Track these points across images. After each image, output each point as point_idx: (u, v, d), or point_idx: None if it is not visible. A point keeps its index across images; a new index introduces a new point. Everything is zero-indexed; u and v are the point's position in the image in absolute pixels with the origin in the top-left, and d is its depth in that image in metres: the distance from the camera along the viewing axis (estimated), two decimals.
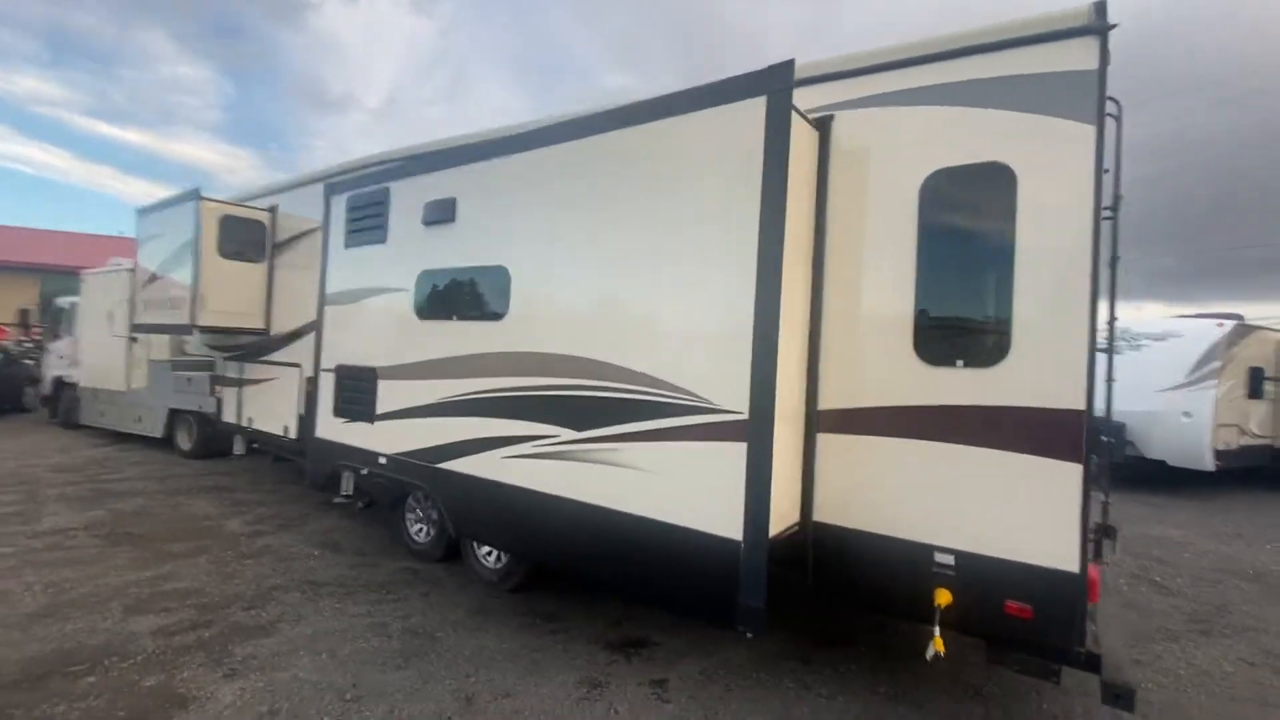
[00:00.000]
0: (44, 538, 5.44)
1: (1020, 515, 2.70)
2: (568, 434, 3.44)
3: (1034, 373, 2.69)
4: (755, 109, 2.81)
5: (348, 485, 5.27)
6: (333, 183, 5.27)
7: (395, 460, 4.48)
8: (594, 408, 3.32)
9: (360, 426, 4.77)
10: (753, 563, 2.74)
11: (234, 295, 6.90)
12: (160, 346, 10.05)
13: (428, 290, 4.33)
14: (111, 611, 4.08)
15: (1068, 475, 2.59)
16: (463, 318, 4.09)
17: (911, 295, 2.99)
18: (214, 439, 9.03)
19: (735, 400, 2.83)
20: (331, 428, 5.03)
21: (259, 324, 7.12)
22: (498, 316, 3.86)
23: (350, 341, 4.93)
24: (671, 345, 3.08)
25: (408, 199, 4.50)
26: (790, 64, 2.76)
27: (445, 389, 4.12)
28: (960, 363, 2.86)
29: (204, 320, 6.71)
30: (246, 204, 7.10)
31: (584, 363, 3.38)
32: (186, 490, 7.30)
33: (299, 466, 7.19)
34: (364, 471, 4.73)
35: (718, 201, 2.93)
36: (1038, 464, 2.66)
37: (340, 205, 5.08)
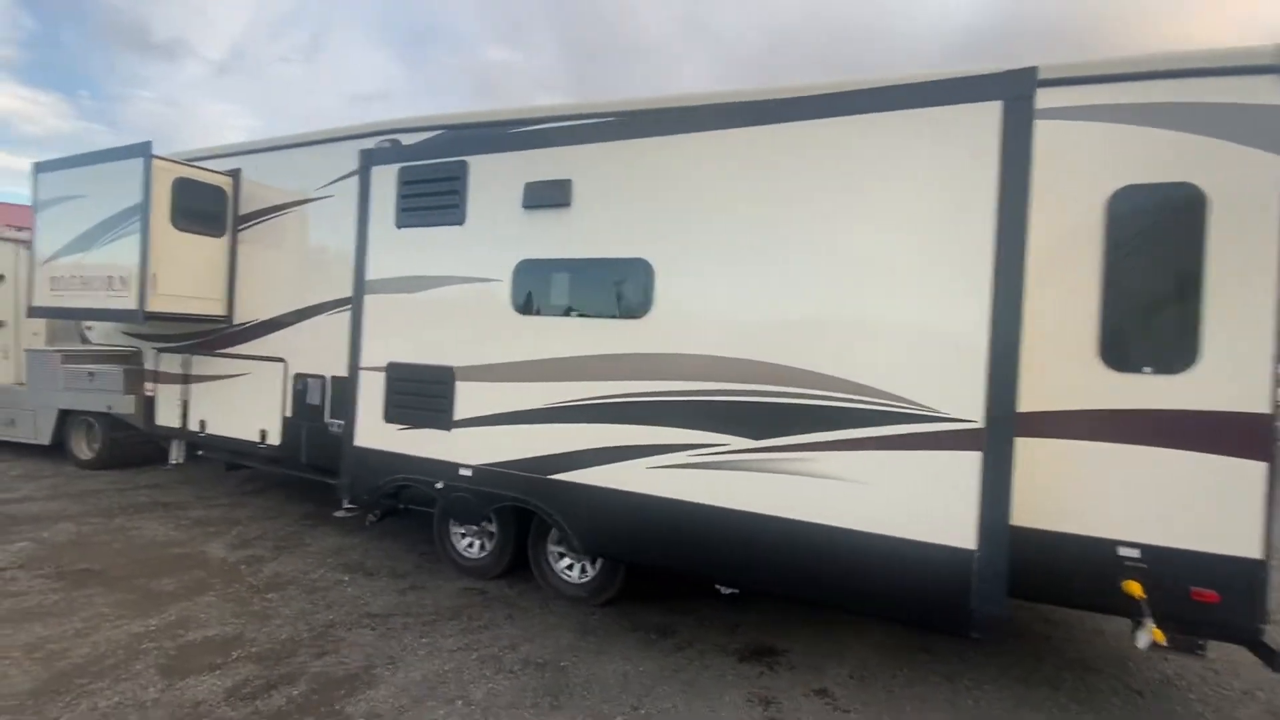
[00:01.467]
0: None
1: (1207, 509, 2.93)
2: (741, 443, 3.23)
3: (1222, 380, 2.92)
4: (990, 112, 2.77)
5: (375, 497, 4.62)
6: (373, 149, 4.52)
7: (485, 472, 3.97)
8: (778, 415, 3.14)
9: (429, 434, 4.17)
10: (990, 570, 2.74)
11: (189, 276, 5.77)
12: (36, 333, 8.24)
13: (531, 282, 3.85)
14: (145, 676, 3.26)
15: (1254, 473, 2.86)
16: (585, 315, 3.69)
17: (1097, 303, 3.12)
18: (125, 447, 7.56)
19: (964, 408, 2.80)
20: (381, 435, 4.36)
21: (218, 310, 6.01)
22: (637, 314, 3.52)
23: (409, 336, 4.27)
24: (881, 351, 2.98)
25: (496, 176, 3.97)
26: (1034, 70, 2.74)
27: (559, 392, 3.71)
28: (1148, 369, 3.04)
29: (155, 305, 5.53)
30: (202, 166, 5.92)
31: (763, 367, 3.18)
32: (121, 510, 6.03)
33: (266, 475, 6.12)
34: (439, 485, 4.15)
35: (943, 201, 2.86)
36: (1225, 463, 2.90)
37: (388, 177, 4.37)
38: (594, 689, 3.35)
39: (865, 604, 3.16)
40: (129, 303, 5.52)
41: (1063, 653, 4.01)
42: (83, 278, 5.89)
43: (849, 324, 3.05)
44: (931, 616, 2.94)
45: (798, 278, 3.15)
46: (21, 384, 8.20)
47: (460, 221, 4.09)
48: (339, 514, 5.69)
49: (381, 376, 4.37)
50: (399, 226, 4.33)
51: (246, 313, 6.02)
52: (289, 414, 5.71)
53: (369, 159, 4.46)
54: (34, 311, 6.47)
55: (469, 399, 4.02)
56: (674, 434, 3.39)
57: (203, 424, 6.28)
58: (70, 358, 7.74)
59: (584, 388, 3.64)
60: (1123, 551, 3.05)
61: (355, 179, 5.28)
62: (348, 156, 5.35)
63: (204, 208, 5.85)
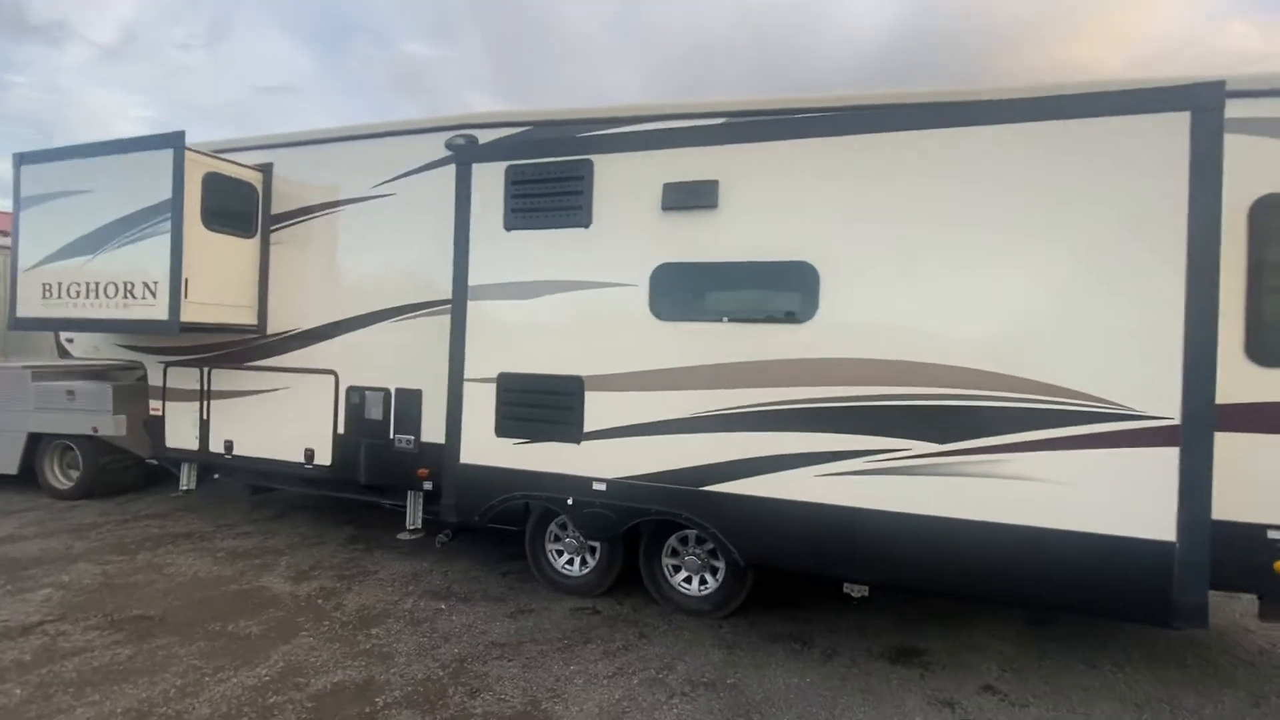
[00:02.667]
0: (12, 646, 3.64)
1: None
2: (924, 447, 3.23)
3: None
4: (1179, 122, 2.89)
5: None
6: (468, 145, 4.22)
7: (623, 485, 3.78)
8: (964, 418, 3.16)
9: (553, 448, 3.93)
10: (1193, 561, 2.86)
11: (219, 281, 5.21)
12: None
13: (673, 287, 3.70)
14: None
15: None
16: (738, 320, 3.58)
17: (1242, 302, 3.32)
18: (110, 473, 6.76)
19: (1160, 405, 2.91)
20: (493, 451, 4.07)
21: (249, 319, 5.46)
22: (799, 319, 3.45)
23: (524, 345, 4.01)
24: (1073, 351, 3.04)
25: (627, 176, 3.79)
26: (1221, 83, 2.88)
27: (709, 400, 3.59)
28: None
29: (188, 315, 4.95)
30: (231, 160, 5.35)
31: (945, 370, 3.19)
32: (137, 545, 5.36)
33: (286, 499, 5.54)
34: (569, 502, 3.91)
35: (1134, 203, 2.95)
36: None
37: (493, 176, 4.08)
38: (778, 704, 3.26)
39: (1060, 600, 3.23)
40: (157, 312, 4.91)
41: (1162, 633, 4.25)
42: (89, 285, 5.19)
43: (1039, 326, 3.10)
44: (1131, 608, 3.04)
45: (983, 281, 3.18)
46: None
47: (585, 224, 3.88)
48: (403, 536, 5.33)
49: (491, 388, 4.08)
50: (508, 229, 4.06)
51: (284, 321, 5.49)
52: (342, 431, 5.26)
53: (468, 155, 4.16)
54: (18, 324, 5.64)
55: (602, 409, 3.82)
56: (846, 440, 3.35)
57: (229, 445, 5.68)
58: (42, 374, 6.85)
59: (738, 395, 3.54)
60: (1272, 535, 3.26)
61: (420, 176, 4.99)
62: (413, 152, 5.01)
63: (234, 206, 5.29)
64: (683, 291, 3.71)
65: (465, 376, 4.15)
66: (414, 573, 4.93)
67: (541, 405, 3.97)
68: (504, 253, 4.07)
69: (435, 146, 4.95)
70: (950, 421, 3.19)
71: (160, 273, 4.90)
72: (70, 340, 6.53)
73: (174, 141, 4.85)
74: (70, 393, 6.58)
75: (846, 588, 3.95)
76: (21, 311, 5.52)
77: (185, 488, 6.18)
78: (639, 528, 4.10)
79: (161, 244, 4.89)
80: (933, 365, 3.22)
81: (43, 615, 4.02)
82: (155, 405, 6.02)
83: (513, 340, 4.05)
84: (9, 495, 6.73)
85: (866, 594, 4.07)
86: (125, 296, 5.04)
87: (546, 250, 3.97)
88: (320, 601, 4.37)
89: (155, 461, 6.90)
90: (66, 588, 4.46)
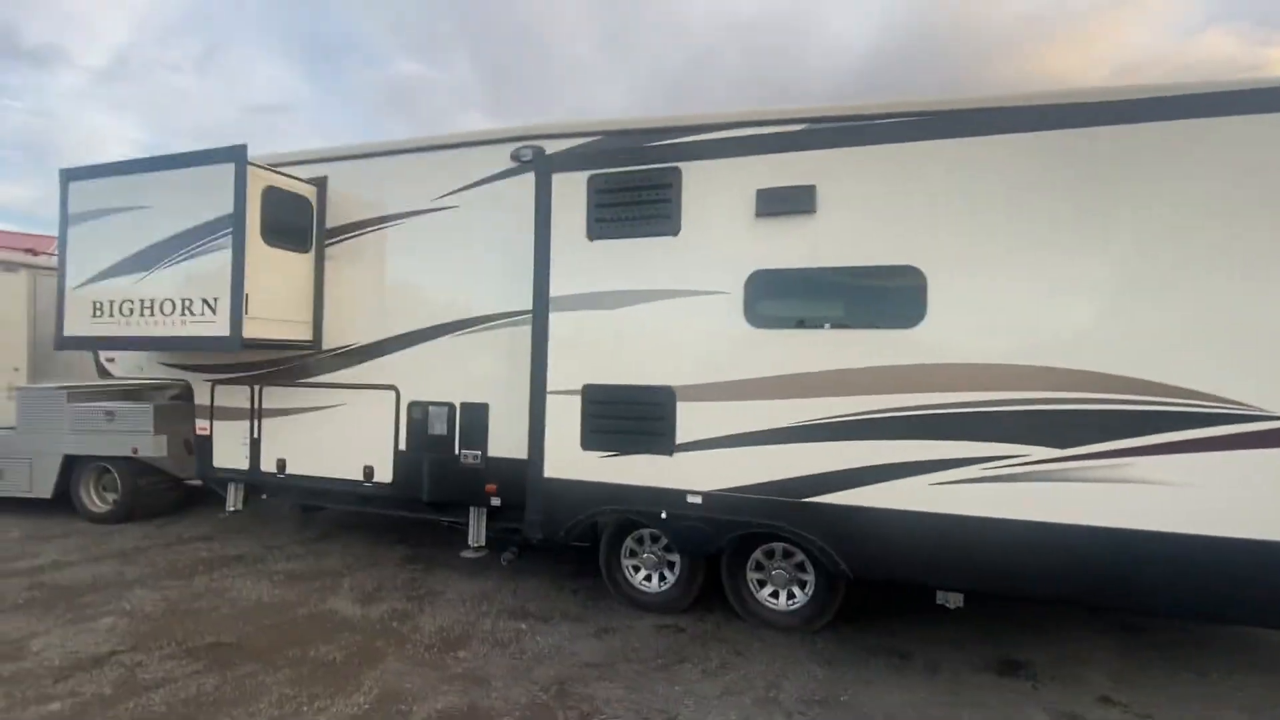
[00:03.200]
0: (89, 679, 3.49)
1: None
2: (1043, 452, 3.16)
3: None
4: None
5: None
6: (548, 155, 4.17)
7: (720, 498, 3.69)
8: (1085, 422, 3.09)
9: (643, 460, 3.85)
10: None
11: (277, 297, 5.10)
12: (17, 368, 7.13)
13: (769, 294, 3.64)
14: None
15: None
16: (842, 326, 3.52)
17: None
18: (150, 495, 6.60)
19: None
20: (579, 465, 3.97)
21: (304, 335, 5.35)
22: (905, 323, 3.39)
23: (610, 356, 3.94)
24: (1201, 354, 2.99)
25: (717, 183, 3.74)
26: None
27: (809, 409, 3.51)
28: None
29: (250, 331, 4.84)
30: (287, 173, 5.27)
31: (1063, 374, 3.13)
32: (191, 569, 5.20)
33: (336, 518, 5.37)
34: (663, 516, 3.82)
35: (1264, 206, 2.92)
36: None
37: (575, 186, 4.02)
38: None
39: (1191, 606, 3.15)
40: (218, 329, 4.80)
41: (1259, 638, 4.17)
42: (143, 302, 5.07)
43: (1160, 326, 3.06)
44: (1270, 614, 2.97)
45: (1099, 282, 3.13)
46: (9, 428, 7.02)
47: (674, 232, 3.82)
48: (466, 554, 5.20)
49: (576, 400, 4.00)
50: (591, 238, 3.99)
51: (340, 337, 5.39)
52: (403, 447, 5.14)
53: (548, 165, 4.10)
54: (65, 343, 5.51)
55: (695, 420, 3.74)
56: (960, 447, 3.28)
57: (281, 464, 5.54)
58: (79, 395, 6.70)
59: (842, 403, 3.47)
60: None
61: (484, 188, 4.93)
62: (476, 164, 4.95)
63: (291, 220, 5.20)
64: (780, 299, 3.65)
65: (548, 389, 4.06)
66: (483, 592, 4.80)
67: (631, 417, 3.89)
68: (588, 262, 4.00)
69: (500, 158, 4.91)
70: (1069, 426, 3.12)
71: (221, 289, 4.79)
72: (111, 360, 6.39)
73: (236, 155, 4.77)
74: (109, 413, 6.44)
75: (941, 598, 3.86)
76: (69, 330, 5.39)
77: (232, 509, 6.02)
78: (721, 545, 3.99)
79: (221, 259, 4.79)
80: (1049, 369, 3.16)
81: (113, 645, 3.87)
82: (202, 425, 5.88)
83: (598, 351, 3.97)
84: (41, 520, 6.54)
85: (962, 604, 3.99)
86: (183, 314, 4.93)
87: (633, 259, 3.90)
88: (395, 624, 4.24)
89: (199, 482, 6.76)
90: (130, 615, 4.30)
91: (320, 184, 5.41)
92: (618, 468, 3.91)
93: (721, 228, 3.73)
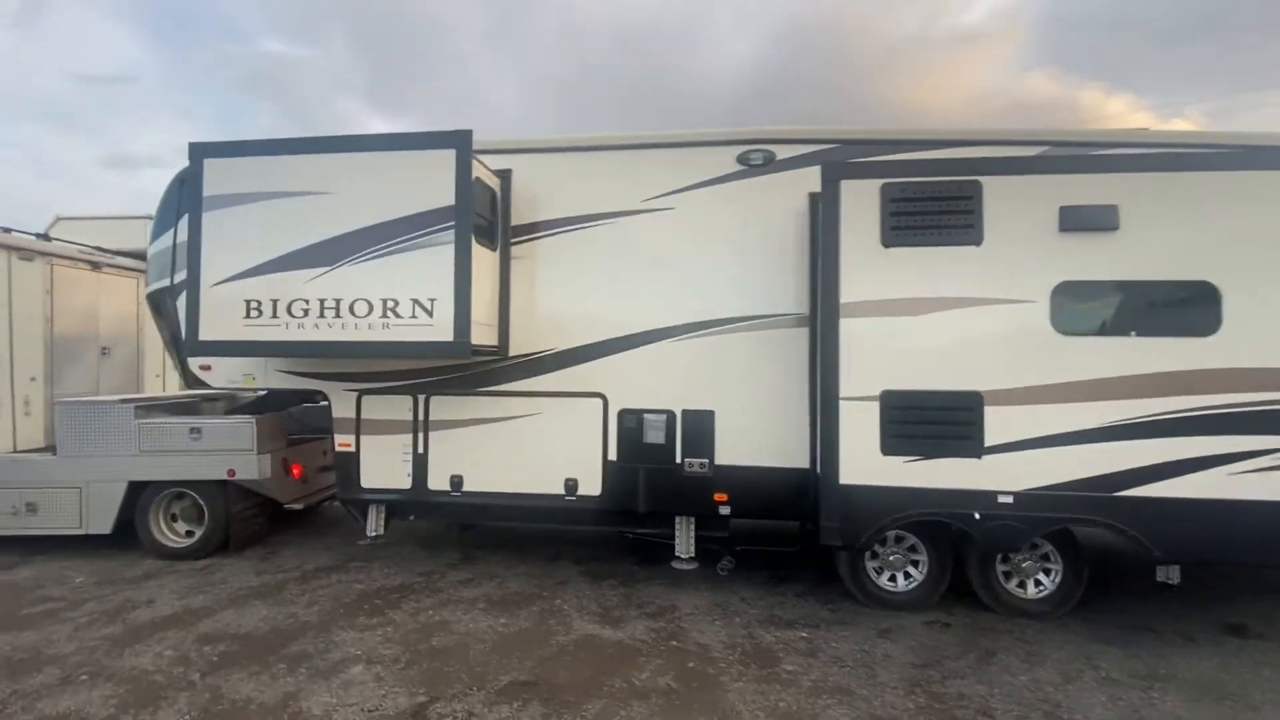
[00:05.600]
0: None
1: None
2: None
3: None
4: None
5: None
6: (838, 163, 4.16)
7: (1031, 497, 3.89)
8: None
9: (949, 464, 3.96)
10: None
11: (477, 299, 4.66)
12: (33, 378, 6.01)
13: (1077, 304, 3.89)
14: None
15: None
16: (1146, 334, 3.84)
17: None
18: (244, 523, 5.74)
19: None
20: (879, 470, 4.00)
21: (492, 339, 4.92)
22: (1203, 332, 3.78)
23: (911, 361, 4.01)
24: None
25: (1020, 198, 3.93)
26: None
27: (1120, 410, 3.80)
28: None
29: (478, 336, 4.39)
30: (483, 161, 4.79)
31: None
32: (373, 605, 4.60)
33: (486, 533, 4.96)
34: (975, 516, 3.95)
35: None
36: None
37: (866, 194, 4.05)
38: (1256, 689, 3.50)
39: None
40: (437, 333, 4.28)
41: None
42: (324, 302, 4.40)
43: None
44: None
45: None
46: (45, 449, 5.80)
47: (976, 242, 3.98)
48: (678, 565, 5.05)
49: (873, 406, 4.03)
50: (887, 245, 4.05)
51: (529, 342, 4.99)
52: (614, 457, 4.88)
53: (836, 173, 4.10)
54: (201, 349, 4.63)
55: (1004, 423, 3.92)
56: (1254, 441, 3.72)
57: (456, 481, 5.04)
58: (148, 409, 5.68)
59: (1148, 404, 3.80)
60: None
61: (706, 191, 4.83)
62: (697, 165, 4.83)
63: (484, 215, 4.76)
64: (1086, 308, 3.92)
65: (840, 396, 4.06)
66: (714, 603, 4.66)
67: (935, 421, 4.00)
68: (884, 270, 4.05)
69: (723, 161, 4.82)
70: None
71: (439, 288, 4.30)
72: (206, 367, 5.45)
73: (458, 141, 4.29)
74: (195, 430, 5.51)
75: (1162, 575, 4.31)
76: (208, 333, 4.55)
77: (374, 534, 5.35)
78: (966, 540, 4.20)
79: (439, 256, 4.30)
80: None
81: (409, 698, 3.38)
82: (344, 440, 5.19)
83: (898, 357, 4.04)
84: (93, 560, 5.46)
85: (1179, 579, 4.45)
86: (384, 315, 4.35)
87: (933, 267, 4.01)
88: (675, 643, 4.04)
89: (299, 507, 5.97)
90: (378, 662, 3.76)
91: (505, 177, 4.99)
92: (921, 472, 4.01)
93: (1026, 240, 3.94)
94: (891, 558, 4.56)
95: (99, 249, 6.73)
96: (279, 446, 5.79)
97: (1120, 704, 3.36)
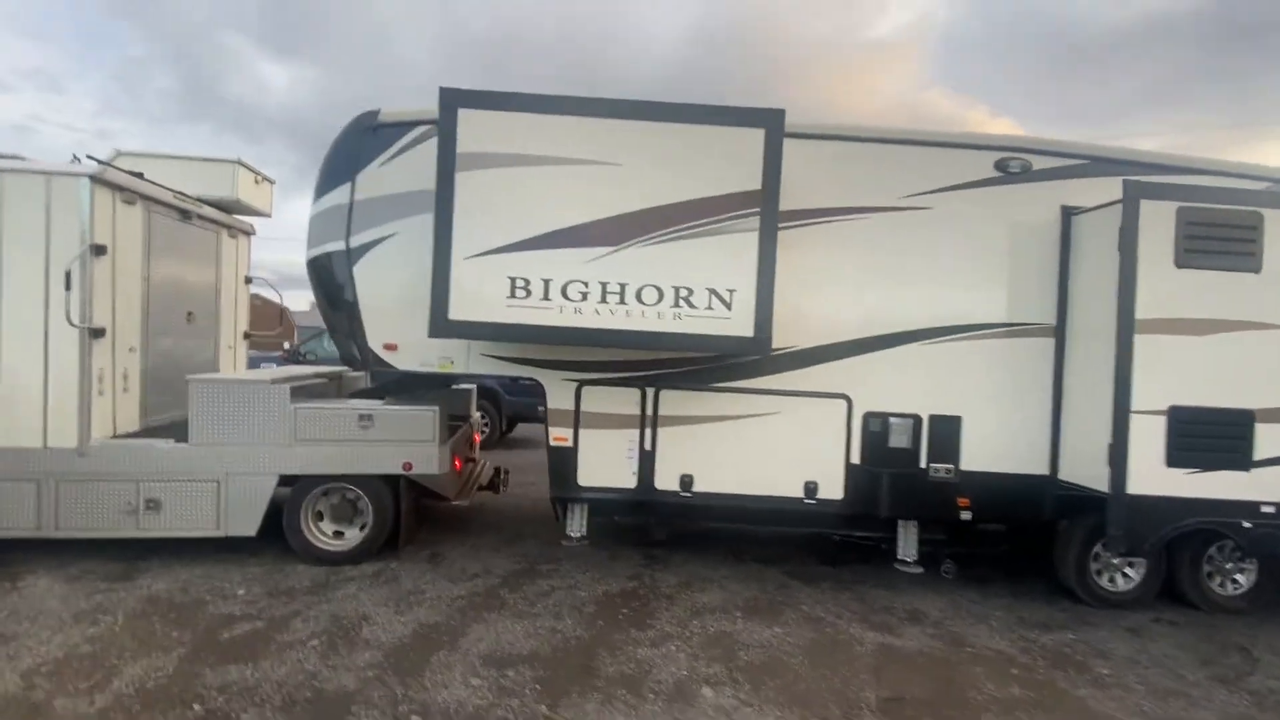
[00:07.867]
0: None
1: None
2: None
3: None
4: None
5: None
6: (1140, 182, 4.24)
7: None
8: None
9: (1222, 476, 4.22)
10: None
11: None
12: (132, 348, 5.08)
13: None
14: None
15: None
16: None
17: None
18: (415, 524, 5.12)
19: None
20: (1163, 481, 4.20)
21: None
22: None
23: (1195, 379, 4.21)
24: None
25: None
26: None
27: None
28: None
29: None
30: None
31: None
32: (621, 613, 4.25)
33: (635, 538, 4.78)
34: (1246, 525, 4.23)
35: None
36: None
37: (1163, 214, 4.17)
38: None
39: None
40: (736, 327, 3.96)
41: None
42: (606, 286, 3.94)
43: None
44: None
45: None
46: (140, 433, 4.86)
47: (1255, 269, 4.23)
48: (904, 569, 5.08)
49: (1160, 420, 4.21)
50: (1179, 266, 4.22)
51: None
52: (857, 460, 4.78)
53: (1139, 191, 4.19)
54: (448, 329, 3.99)
55: (1270, 440, 4.23)
56: None
57: (686, 481, 4.74)
58: (306, 392, 4.90)
59: None
60: None
61: (962, 193, 4.82)
62: (954, 166, 4.78)
63: None
64: None
65: (1131, 409, 4.21)
66: (954, 604, 4.72)
67: (1214, 436, 4.24)
68: (1174, 288, 4.22)
69: (979, 164, 4.80)
70: None
71: (739, 279, 3.98)
72: (393, 346, 4.72)
73: (769, 120, 3.96)
74: (366, 418, 4.81)
75: None
76: (458, 313, 3.94)
77: (577, 535, 4.92)
78: (1181, 544, 4.55)
79: (742, 244, 3.98)
80: None
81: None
82: (560, 433, 4.73)
83: (1184, 374, 4.23)
84: (214, 562, 4.67)
85: None
86: (675, 305, 3.97)
87: (1218, 290, 4.22)
88: (968, 649, 4.06)
89: (466, 503, 5.40)
90: (718, 681, 3.48)
91: None
92: (1199, 483, 4.24)
93: None
94: (1114, 560, 4.83)
95: (182, 194, 5.64)
96: (447, 436, 5.18)
97: None
